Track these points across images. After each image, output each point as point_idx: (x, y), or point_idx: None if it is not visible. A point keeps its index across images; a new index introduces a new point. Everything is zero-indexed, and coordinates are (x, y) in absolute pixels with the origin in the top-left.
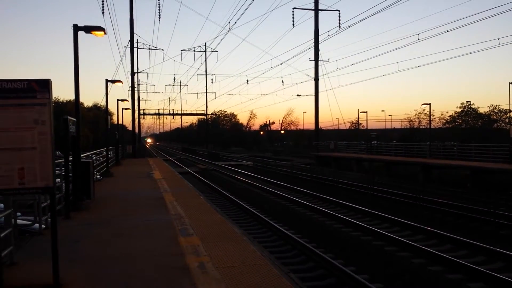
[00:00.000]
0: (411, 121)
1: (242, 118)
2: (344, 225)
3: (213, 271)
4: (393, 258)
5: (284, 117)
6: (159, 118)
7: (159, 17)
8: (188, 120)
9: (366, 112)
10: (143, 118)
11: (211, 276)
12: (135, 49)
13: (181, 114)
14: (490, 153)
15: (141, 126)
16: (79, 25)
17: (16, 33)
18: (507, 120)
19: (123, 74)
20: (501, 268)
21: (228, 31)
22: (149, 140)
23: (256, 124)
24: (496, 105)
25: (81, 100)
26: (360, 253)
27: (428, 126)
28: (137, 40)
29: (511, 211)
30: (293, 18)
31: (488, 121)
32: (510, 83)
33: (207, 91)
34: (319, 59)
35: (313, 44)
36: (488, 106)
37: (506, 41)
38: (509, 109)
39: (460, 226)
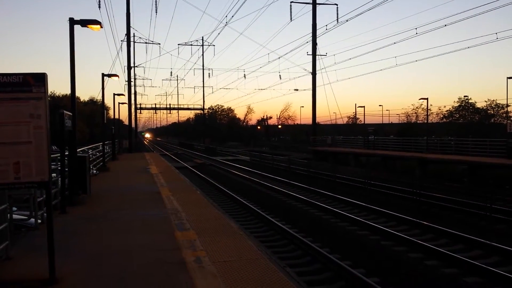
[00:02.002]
0: (408, 115)
1: (239, 113)
2: (340, 220)
3: (209, 266)
4: (389, 253)
5: (281, 111)
6: (155, 113)
7: (156, 11)
8: (185, 115)
9: (364, 106)
10: (140, 113)
11: (208, 271)
12: (132, 43)
13: (178, 109)
14: (487, 148)
15: (138, 121)
16: (75, 18)
17: (12, 27)
18: (504, 115)
19: (120, 69)
20: (497, 262)
21: (226, 25)
22: (147, 135)
23: (253, 119)
24: (494, 100)
25: (77, 94)
26: (357, 247)
27: (426, 121)
28: (134, 34)
29: (508, 205)
30: (290, 12)
31: (485, 116)
32: (507, 77)
33: (204, 85)
34: (316, 54)
35: (311, 38)
36: (485, 101)
37: (504, 36)
38: (507, 103)
39: (456, 221)
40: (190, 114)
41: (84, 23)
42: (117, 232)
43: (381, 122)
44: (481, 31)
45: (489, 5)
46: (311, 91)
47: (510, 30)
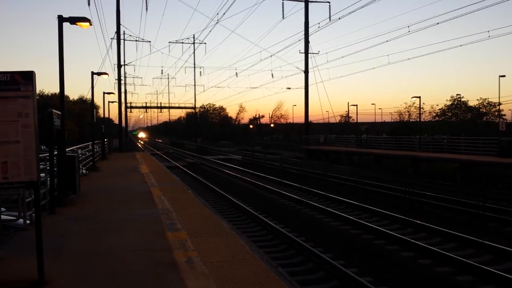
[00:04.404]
0: (401, 114)
1: (231, 112)
2: (333, 219)
3: (200, 266)
4: (382, 252)
5: (273, 110)
6: (146, 112)
7: (146, 8)
8: (176, 114)
9: (356, 105)
10: (130, 112)
11: (199, 271)
12: (122, 41)
13: (169, 108)
14: (479, 146)
15: (128, 120)
16: (64, 16)
17: None
18: (496, 113)
19: (110, 67)
20: (490, 261)
21: (217, 22)
22: (142, 135)
23: (245, 118)
24: (486, 98)
25: (66, 93)
26: (350, 246)
27: (418, 119)
28: (124, 31)
29: (500, 204)
30: (283, 10)
31: (477, 114)
32: (500, 76)
33: (196, 84)
34: (309, 52)
35: (303, 36)
36: (477, 100)
37: (496, 34)
38: (499, 102)
39: (449, 219)
40: (182, 113)
41: (73, 20)
42: (107, 233)
43: (374, 121)
44: (473, 29)
45: (481, 3)
46: (303, 90)
47: (502, 28)
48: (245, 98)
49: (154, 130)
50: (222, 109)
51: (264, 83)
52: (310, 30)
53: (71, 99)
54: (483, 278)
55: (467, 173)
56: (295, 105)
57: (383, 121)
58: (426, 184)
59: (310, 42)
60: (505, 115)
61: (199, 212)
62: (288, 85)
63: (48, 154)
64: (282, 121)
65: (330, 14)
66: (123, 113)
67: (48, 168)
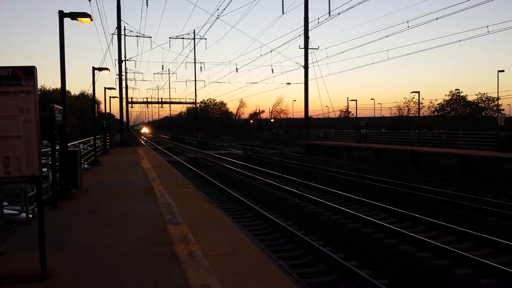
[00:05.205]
0: (400, 109)
1: (232, 107)
2: (333, 213)
3: (202, 259)
4: (381, 245)
5: (274, 105)
6: (147, 107)
7: (147, 3)
8: (177, 109)
9: (356, 100)
10: (131, 107)
11: (200, 264)
12: (123, 37)
13: (170, 103)
14: (478, 141)
15: (129, 115)
16: (65, 11)
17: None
18: (495, 108)
19: (110, 62)
20: (488, 254)
21: (217, 18)
22: (145, 130)
23: (245, 113)
24: (484, 93)
25: (68, 88)
26: (349, 240)
27: (417, 114)
28: (125, 27)
29: (498, 198)
30: (282, 5)
31: (476, 109)
32: (498, 71)
33: (196, 79)
34: (308, 47)
35: (303, 31)
36: (476, 94)
37: (494, 29)
38: (497, 97)
39: (447, 213)
40: (182, 108)
41: (74, 16)
42: (109, 227)
43: (373, 116)
44: (472, 25)
45: None
46: (303, 85)
47: (501, 23)
48: (245, 93)
49: (156, 125)
50: (222, 104)
51: (264, 78)
52: (310, 25)
53: (72, 94)
54: (481, 271)
55: (466, 168)
56: (295, 100)
57: (382, 116)
58: (425, 179)
59: (309, 37)
60: (503, 110)
61: (200, 206)
62: (288, 80)
63: (50, 148)
64: (282, 116)
65: (329, 9)
66: (124, 108)
67: (50, 162)
